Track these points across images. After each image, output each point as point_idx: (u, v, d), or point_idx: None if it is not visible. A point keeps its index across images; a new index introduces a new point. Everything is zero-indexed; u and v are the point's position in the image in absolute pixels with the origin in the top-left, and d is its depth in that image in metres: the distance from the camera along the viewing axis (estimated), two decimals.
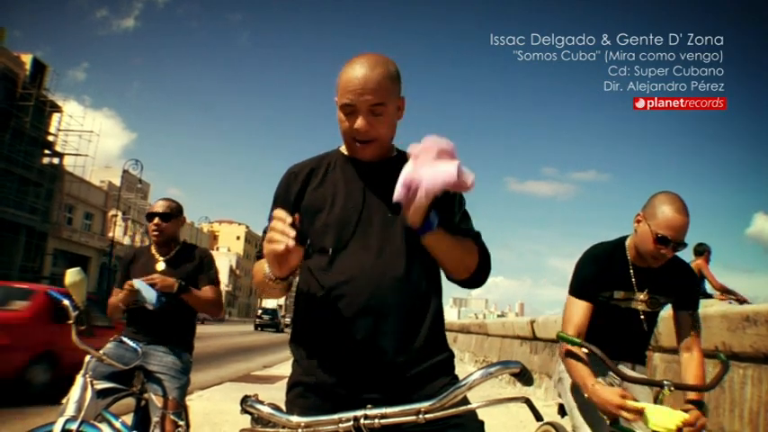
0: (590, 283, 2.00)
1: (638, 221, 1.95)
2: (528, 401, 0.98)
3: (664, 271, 1.98)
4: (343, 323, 1.18)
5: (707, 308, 3.87)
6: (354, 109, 1.21)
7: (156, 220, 2.65)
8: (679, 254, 2.01)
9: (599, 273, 2.00)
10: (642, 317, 2.02)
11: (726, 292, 6.65)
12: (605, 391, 1.71)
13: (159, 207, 2.69)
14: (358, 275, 1.19)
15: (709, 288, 6.72)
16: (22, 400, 5.24)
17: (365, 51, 1.26)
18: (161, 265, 2.67)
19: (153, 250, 2.73)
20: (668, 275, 1.99)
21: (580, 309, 1.97)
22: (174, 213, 2.71)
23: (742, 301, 6.47)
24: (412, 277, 1.21)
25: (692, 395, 1.83)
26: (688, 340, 1.98)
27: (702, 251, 6.75)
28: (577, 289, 2.01)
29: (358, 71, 1.21)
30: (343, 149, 1.36)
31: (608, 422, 1.88)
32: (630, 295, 2.00)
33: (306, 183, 1.31)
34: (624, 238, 2.07)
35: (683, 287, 2.02)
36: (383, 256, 1.21)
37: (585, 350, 1.81)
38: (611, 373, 1.96)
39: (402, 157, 1.34)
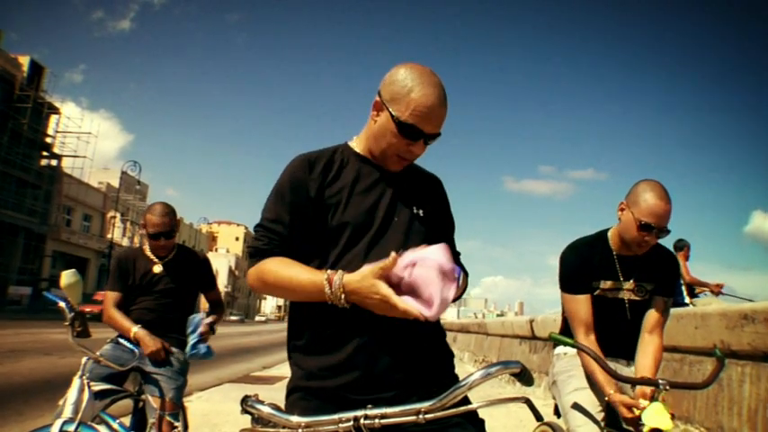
0: (577, 274, 2.01)
1: (622, 210, 1.98)
2: (528, 401, 0.98)
3: (648, 258, 2.00)
4: (345, 325, 1.17)
5: (705, 306, 3.88)
6: (419, 134, 1.20)
7: (163, 240, 2.64)
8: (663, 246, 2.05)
9: (582, 263, 2.02)
10: (629, 306, 2.02)
11: (698, 285, 6.73)
12: (621, 397, 1.79)
13: (160, 225, 2.61)
14: None
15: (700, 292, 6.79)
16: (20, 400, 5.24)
17: (415, 62, 1.24)
18: (158, 268, 2.69)
19: (148, 252, 2.73)
20: (652, 263, 2.01)
21: (581, 303, 1.98)
22: (175, 226, 2.69)
23: (717, 292, 6.57)
24: None
25: (643, 372, 1.86)
26: (653, 323, 2.00)
27: (682, 246, 6.79)
28: (568, 283, 2.03)
29: (435, 96, 1.19)
30: (354, 146, 1.33)
31: (602, 423, 1.88)
32: (618, 285, 2.01)
33: (324, 176, 1.27)
34: (606, 230, 2.09)
35: (665, 274, 2.04)
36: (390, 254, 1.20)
37: (579, 349, 1.81)
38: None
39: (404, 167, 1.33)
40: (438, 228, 1.35)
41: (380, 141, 1.25)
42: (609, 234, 2.06)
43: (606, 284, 2.01)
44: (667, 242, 2.08)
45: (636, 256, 2.00)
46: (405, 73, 1.21)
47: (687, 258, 6.82)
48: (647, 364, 1.91)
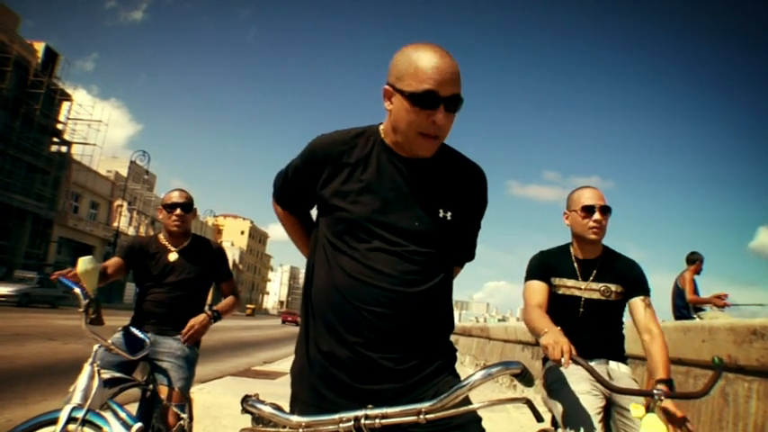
0: (539, 268, 2.21)
1: (567, 217, 2.24)
2: (529, 402, 0.98)
3: (605, 261, 2.18)
4: (354, 318, 1.16)
5: (713, 320, 3.84)
6: (436, 99, 1.11)
7: (179, 210, 2.66)
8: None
9: (545, 261, 2.23)
10: (584, 303, 2.13)
11: (700, 303, 6.65)
12: (558, 335, 1.75)
13: (179, 197, 2.70)
14: (377, 275, 1.17)
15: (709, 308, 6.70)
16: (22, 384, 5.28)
17: (428, 42, 1.18)
18: (173, 256, 2.68)
19: (163, 240, 2.72)
20: (609, 264, 2.18)
21: (537, 287, 2.16)
22: (192, 204, 2.75)
23: (721, 305, 6.52)
24: (429, 282, 1.20)
25: (659, 375, 1.86)
26: (645, 322, 2.04)
27: (695, 260, 6.71)
28: (528, 275, 2.22)
29: (440, 59, 1.12)
30: (384, 133, 1.25)
31: (601, 430, 1.86)
32: (577, 284, 2.17)
33: (336, 167, 1.23)
34: (569, 243, 2.29)
35: (629, 275, 2.16)
36: (404, 259, 1.19)
37: (574, 364, 1.76)
38: (597, 384, 1.93)
39: (439, 157, 1.24)
40: (461, 234, 1.29)
41: (400, 126, 1.17)
42: (571, 243, 2.26)
43: (567, 282, 2.18)
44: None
45: (595, 259, 2.17)
46: (407, 51, 1.16)
47: (698, 272, 6.70)
48: (654, 367, 1.91)
